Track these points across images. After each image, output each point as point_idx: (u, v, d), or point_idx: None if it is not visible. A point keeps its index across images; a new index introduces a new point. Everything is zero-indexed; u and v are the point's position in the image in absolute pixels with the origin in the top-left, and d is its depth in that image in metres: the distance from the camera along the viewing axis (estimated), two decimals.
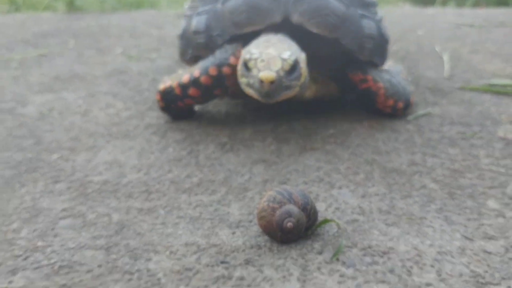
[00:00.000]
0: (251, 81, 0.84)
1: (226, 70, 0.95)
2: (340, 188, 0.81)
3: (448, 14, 2.18)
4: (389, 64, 1.17)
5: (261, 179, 0.84)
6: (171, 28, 1.96)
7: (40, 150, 0.95)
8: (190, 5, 1.09)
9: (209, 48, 0.99)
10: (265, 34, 0.94)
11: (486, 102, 1.15)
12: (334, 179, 0.83)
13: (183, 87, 0.98)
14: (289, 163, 0.89)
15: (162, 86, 1.01)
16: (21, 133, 1.02)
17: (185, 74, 0.99)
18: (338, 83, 1.06)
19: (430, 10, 2.34)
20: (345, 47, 0.98)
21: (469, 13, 2.18)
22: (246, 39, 0.96)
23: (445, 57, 1.49)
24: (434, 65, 1.43)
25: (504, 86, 1.25)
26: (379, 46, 1.04)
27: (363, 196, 0.78)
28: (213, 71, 0.95)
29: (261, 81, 0.81)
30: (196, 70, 0.97)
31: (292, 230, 0.66)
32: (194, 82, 0.97)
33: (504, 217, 0.73)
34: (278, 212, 0.67)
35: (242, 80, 0.88)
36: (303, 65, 0.88)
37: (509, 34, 1.76)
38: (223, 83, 0.97)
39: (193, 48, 1.03)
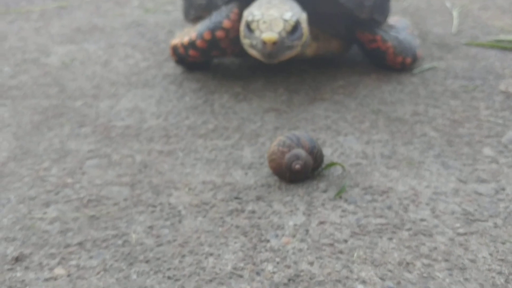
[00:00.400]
0: (254, 42, 0.86)
1: (219, 34, 0.96)
2: (346, 135, 0.86)
3: None
4: (395, 19, 1.20)
5: (272, 126, 0.90)
6: None
7: (65, 97, 1.01)
8: None
9: (210, 9, 1.01)
10: None
11: (491, 57, 1.19)
12: (341, 127, 0.89)
13: (185, 47, 1.01)
14: (299, 112, 0.94)
15: (172, 42, 1.05)
16: (46, 82, 1.08)
17: (186, 35, 1.01)
18: (343, 40, 1.08)
19: None
20: (342, 5, 0.98)
21: None
22: None
23: (454, 13, 1.51)
24: (442, 21, 1.46)
25: (511, 41, 1.28)
26: (379, 2, 1.04)
27: (367, 143, 0.84)
28: (207, 35, 0.97)
29: (264, 42, 0.83)
30: (193, 33, 0.99)
31: (300, 171, 0.72)
32: (192, 44, 0.99)
33: (497, 163, 0.79)
34: (287, 156, 0.73)
35: (245, 41, 0.90)
36: (304, 24, 0.90)
37: None
38: (219, 46, 0.99)
39: (195, 9, 1.05)
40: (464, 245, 0.62)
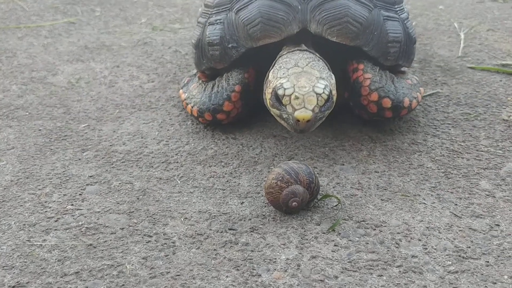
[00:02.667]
0: (285, 115, 0.80)
1: (220, 116, 0.95)
2: (342, 164, 0.87)
3: None
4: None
5: (270, 153, 0.91)
6: None
7: (69, 119, 1.03)
8: (203, 10, 1.03)
9: (224, 61, 0.95)
10: (288, 50, 0.89)
11: (495, 83, 1.19)
12: (338, 156, 0.90)
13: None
14: (298, 138, 0.95)
15: (181, 96, 1.03)
16: (52, 102, 1.10)
17: (191, 99, 0.99)
18: (342, 83, 0.95)
19: None
20: (366, 53, 0.93)
21: None
22: (259, 54, 0.95)
23: (462, 35, 1.52)
24: (449, 43, 1.46)
25: None
26: (405, 49, 0.97)
27: (363, 173, 0.85)
28: (208, 117, 0.96)
29: (297, 120, 0.78)
30: (194, 108, 0.97)
31: (296, 207, 0.73)
32: (196, 118, 0.99)
33: (493, 197, 0.79)
34: (284, 192, 0.73)
35: (274, 111, 0.83)
36: (334, 91, 0.84)
37: None
38: (220, 123, 0.98)
39: (207, 59, 0.98)
40: (454, 284, 0.63)
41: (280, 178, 0.74)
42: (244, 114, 0.99)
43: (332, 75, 0.86)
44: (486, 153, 0.90)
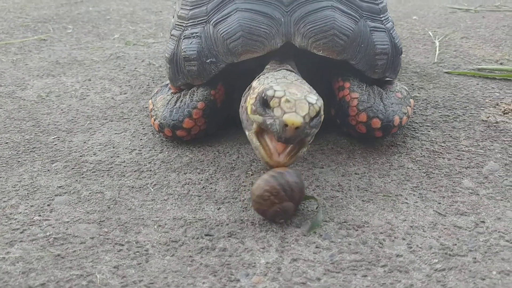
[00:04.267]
0: (269, 121, 0.71)
1: (180, 133, 0.91)
2: (322, 167, 0.85)
3: None
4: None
5: (248, 159, 0.88)
6: (169, 13, 1.99)
7: (38, 132, 0.99)
8: (176, 22, 0.96)
9: (202, 77, 0.89)
10: (274, 69, 0.84)
11: (472, 87, 1.18)
12: (317, 159, 0.87)
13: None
14: None
15: (149, 105, 0.98)
16: (20, 116, 1.06)
17: (155, 112, 0.94)
18: (328, 99, 0.90)
19: None
20: (354, 68, 0.89)
21: None
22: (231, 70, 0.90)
23: (437, 43, 1.52)
24: (424, 51, 1.46)
25: (492, 70, 1.28)
26: (392, 60, 0.93)
27: (343, 175, 0.82)
28: (167, 132, 0.91)
29: (285, 125, 0.68)
30: (156, 122, 0.92)
31: (282, 223, 0.70)
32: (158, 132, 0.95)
33: (477, 194, 0.77)
34: (275, 208, 0.69)
35: (255, 118, 0.74)
36: (322, 112, 0.74)
37: (502, 19, 1.78)
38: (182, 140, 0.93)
39: (184, 75, 0.92)
40: (441, 281, 0.60)
41: (275, 193, 0.68)
42: (210, 131, 0.94)
43: (320, 98, 0.76)
44: (467, 153, 0.89)
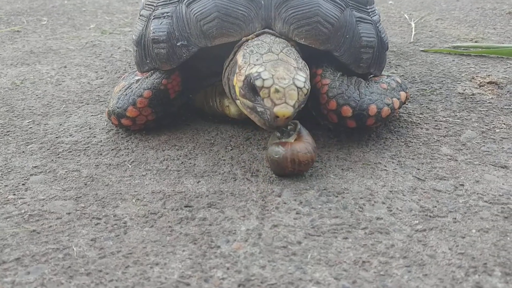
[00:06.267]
0: (260, 109, 0.71)
1: (125, 122, 0.86)
2: None
3: None
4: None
5: (227, 135, 0.88)
6: None
7: (12, 116, 0.97)
8: (146, 2, 0.90)
9: (172, 61, 0.83)
10: (256, 34, 0.80)
11: (448, 63, 1.19)
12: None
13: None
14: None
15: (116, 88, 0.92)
16: None
17: (114, 94, 0.89)
18: None
19: None
20: (338, 60, 0.83)
21: None
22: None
23: (412, 24, 1.53)
24: (400, 31, 1.47)
25: (467, 48, 1.29)
26: (377, 55, 0.88)
27: (322, 146, 0.82)
28: (114, 120, 0.87)
29: (276, 116, 0.69)
30: (107, 109, 0.89)
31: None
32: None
33: (456, 160, 0.78)
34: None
35: (245, 102, 0.73)
36: (308, 83, 0.73)
37: (476, 2, 1.80)
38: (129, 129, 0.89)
39: (151, 59, 0.85)
40: (422, 241, 0.60)
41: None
42: (165, 122, 0.89)
43: (306, 64, 0.77)
44: (444, 123, 0.89)
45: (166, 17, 0.84)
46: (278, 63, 0.72)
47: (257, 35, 0.79)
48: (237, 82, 0.74)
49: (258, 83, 0.70)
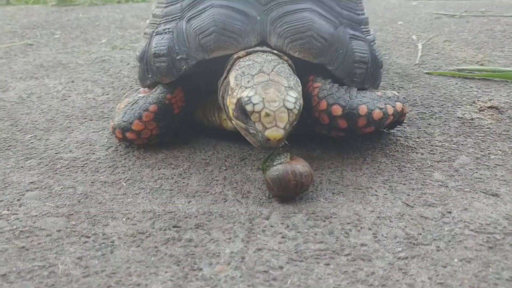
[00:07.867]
0: (252, 131, 0.73)
1: (130, 135, 0.88)
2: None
3: (431, 5, 2.22)
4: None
5: (223, 155, 0.89)
6: None
7: (16, 130, 1.00)
8: (150, 21, 0.95)
9: (171, 74, 0.86)
10: (247, 51, 0.82)
11: (450, 86, 1.19)
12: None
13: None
14: None
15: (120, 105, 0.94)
16: None
17: (118, 111, 0.92)
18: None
19: (414, 2, 2.37)
20: (332, 74, 0.85)
21: (452, 4, 2.21)
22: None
23: (419, 45, 1.53)
24: (407, 53, 1.47)
25: (471, 71, 1.29)
26: (371, 72, 0.90)
27: (315, 169, 0.82)
28: (118, 134, 0.88)
29: (268, 139, 0.71)
30: (112, 123, 0.89)
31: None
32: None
33: (446, 186, 0.78)
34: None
35: (238, 123, 0.76)
36: (301, 100, 0.76)
37: (486, 24, 1.79)
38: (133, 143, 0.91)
39: (153, 73, 0.89)
40: (403, 269, 0.60)
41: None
42: (166, 138, 0.91)
43: (298, 80, 0.79)
44: (440, 148, 0.89)
45: (167, 32, 0.88)
46: (268, 84, 0.74)
47: (248, 53, 0.82)
48: (230, 104, 0.77)
49: (248, 108, 0.72)
